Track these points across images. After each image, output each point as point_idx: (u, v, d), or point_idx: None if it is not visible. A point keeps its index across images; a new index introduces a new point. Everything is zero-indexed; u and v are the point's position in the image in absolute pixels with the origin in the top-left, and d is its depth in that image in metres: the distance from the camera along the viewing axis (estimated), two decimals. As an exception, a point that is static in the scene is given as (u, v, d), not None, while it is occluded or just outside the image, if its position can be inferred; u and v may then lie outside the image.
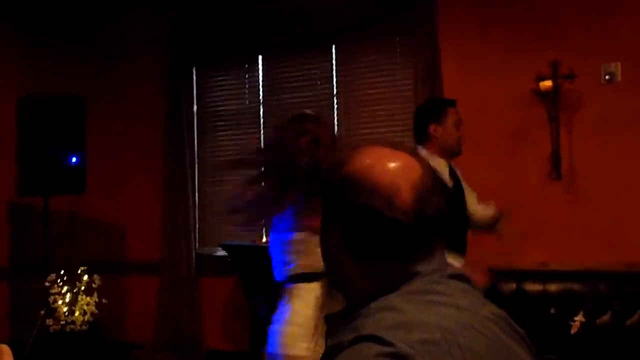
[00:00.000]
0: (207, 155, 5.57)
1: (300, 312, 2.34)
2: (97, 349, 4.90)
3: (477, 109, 4.12)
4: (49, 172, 4.75)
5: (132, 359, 5.39)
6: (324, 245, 1.10)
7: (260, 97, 5.36)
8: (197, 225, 5.54)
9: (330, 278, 1.12)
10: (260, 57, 5.36)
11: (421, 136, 3.14)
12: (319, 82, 5.13)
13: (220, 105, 5.53)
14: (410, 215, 1.00)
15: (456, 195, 3.14)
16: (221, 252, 5.14)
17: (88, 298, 4.81)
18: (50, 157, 4.75)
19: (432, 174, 1.08)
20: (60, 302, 4.73)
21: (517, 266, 4.23)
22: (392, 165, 1.04)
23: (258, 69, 5.39)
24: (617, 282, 3.92)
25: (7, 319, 5.22)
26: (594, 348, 3.73)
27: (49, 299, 4.68)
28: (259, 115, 5.36)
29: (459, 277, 1.06)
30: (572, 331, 3.79)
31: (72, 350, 4.73)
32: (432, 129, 3.09)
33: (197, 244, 5.50)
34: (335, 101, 5.05)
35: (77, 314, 4.76)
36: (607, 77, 4.11)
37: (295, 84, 5.21)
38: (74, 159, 4.87)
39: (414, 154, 1.10)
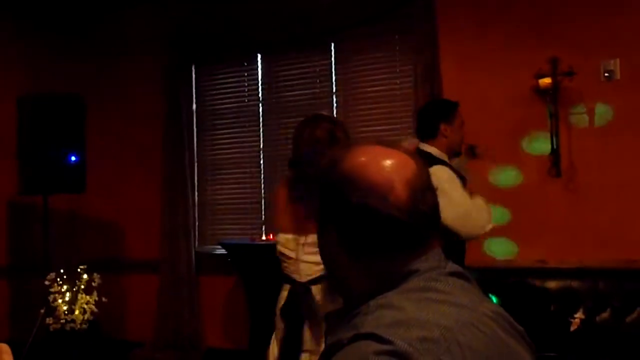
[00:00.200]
0: (207, 154, 5.57)
1: None
2: (97, 348, 4.90)
3: (476, 107, 4.12)
4: (48, 172, 4.75)
5: (132, 357, 5.39)
6: (321, 244, 1.11)
7: (260, 95, 5.36)
8: (196, 224, 5.54)
9: (329, 277, 1.12)
10: (259, 55, 5.36)
11: (429, 134, 3.20)
12: (318, 81, 5.13)
13: (219, 104, 5.53)
14: (404, 211, 1.00)
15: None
16: (221, 251, 5.15)
17: (88, 297, 4.82)
18: (50, 156, 4.75)
19: (426, 170, 1.08)
20: (60, 300, 4.74)
21: (516, 264, 4.24)
22: (386, 162, 1.04)
23: (257, 67, 5.39)
24: (616, 279, 3.93)
25: (7, 317, 5.23)
26: (594, 345, 3.74)
27: (49, 298, 4.69)
28: (259, 113, 5.36)
29: (457, 274, 1.06)
30: (572, 328, 3.79)
31: (72, 349, 4.73)
32: (442, 127, 3.17)
33: (196, 243, 5.50)
34: (334, 99, 5.05)
35: (77, 312, 4.77)
36: (606, 74, 4.11)
37: (294, 83, 5.21)
38: (73, 158, 4.87)
39: (408, 151, 1.10)
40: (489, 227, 3.07)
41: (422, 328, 0.92)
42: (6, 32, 5.40)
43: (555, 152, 4.20)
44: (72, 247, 5.53)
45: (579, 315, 3.81)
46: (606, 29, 4.12)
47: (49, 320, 4.65)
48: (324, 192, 1.09)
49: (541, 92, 4.20)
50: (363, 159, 1.06)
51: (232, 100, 5.48)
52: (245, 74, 5.45)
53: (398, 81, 4.81)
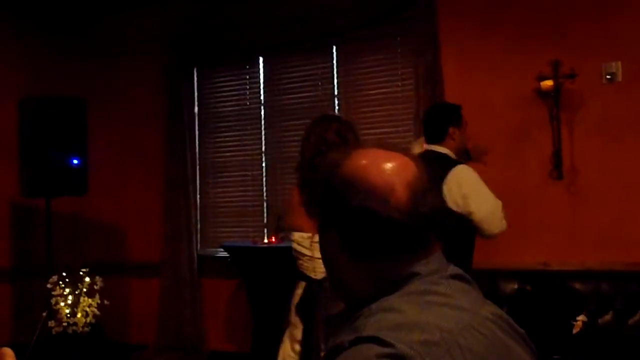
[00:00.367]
0: (209, 156, 5.57)
1: None
2: (99, 351, 4.90)
3: (478, 109, 4.12)
4: (50, 174, 4.75)
5: (134, 360, 5.40)
6: (322, 247, 1.11)
7: (261, 98, 5.37)
8: (198, 226, 5.54)
9: (330, 279, 1.12)
10: (261, 57, 5.37)
11: (438, 137, 3.28)
12: (319, 83, 5.13)
13: (221, 106, 5.53)
14: (405, 213, 1.01)
15: None
16: (223, 253, 5.15)
17: (90, 299, 4.82)
18: (52, 158, 4.75)
19: (427, 173, 1.08)
20: (62, 303, 4.74)
21: (518, 266, 4.24)
22: (387, 165, 1.05)
23: (259, 69, 5.39)
24: (619, 281, 3.92)
25: (10, 320, 5.23)
26: (596, 348, 3.73)
27: (51, 301, 4.69)
28: (260, 116, 5.36)
29: (458, 277, 1.06)
30: (574, 331, 3.79)
31: (74, 352, 4.73)
32: (451, 131, 3.27)
33: (198, 245, 5.51)
34: (336, 102, 5.05)
35: (79, 315, 4.77)
36: (607, 76, 4.11)
37: (296, 85, 5.21)
38: (75, 161, 4.87)
39: (408, 153, 1.10)
40: (505, 227, 3.13)
41: (423, 331, 0.92)
42: (7, 33, 5.41)
43: (557, 155, 4.20)
44: (74, 250, 5.53)
45: (582, 317, 3.80)
46: (607, 31, 4.12)
47: (51, 323, 4.65)
48: (325, 195, 1.09)
49: (543, 94, 4.20)
50: (364, 161, 1.06)
51: (234, 102, 5.48)
52: (247, 77, 5.45)
53: (400, 83, 4.81)
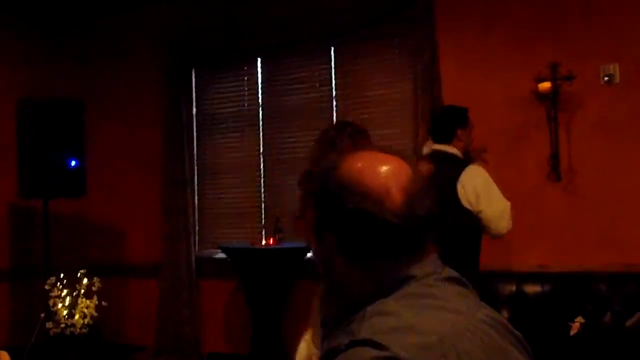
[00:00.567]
0: (207, 158, 5.57)
1: None
2: (97, 352, 4.91)
3: (476, 110, 4.10)
4: (49, 175, 4.75)
5: (132, 361, 5.39)
6: (318, 250, 1.11)
7: (260, 99, 5.37)
8: (196, 228, 5.54)
9: (326, 282, 1.12)
10: (259, 59, 5.37)
11: (445, 138, 3.37)
12: (318, 84, 5.13)
13: (219, 108, 5.53)
14: (400, 216, 1.01)
15: None
16: (221, 255, 5.14)
17: (88, 301, 4.81)
18: (50, 160, 4.75)
19: (423, 176, 1.09)
20: (60, 305, 4.73)
21: (516, 268, 4.24)
22: (382, 168, 1.05)
23: (257, 71, 5.39)
24: (616, 283, 3.92)
25: (7, 322, 5.23)
26: (594, 349, 3.73)
27: (49, 302, 4.69)
28: (258, 117, 5.36)
29: (454, 280, 1.06)
30: (572, 332, 3.79)
31: (71, 353, 4.73)
32: (459, 132, 3.36)
33: (197, 247, 5.50)
34: (334, 103, 5.05)
35: (77, 317, 4.76)
36: (605, 78, 4.12)
37: (294, 86, 5.21)
38: (73, 162, 4.87)
39: (404, 157, 1.10)
40: (511, 227, 3.22)
41: (419, 334, 0.92)
42: (6, 34, 5.41)
43: (554, 156, 4.20)
44: (72, 251, 5.53)
45: (579, 319, 3.80)
46: (605, 33, 4.13)
47: (49, 324, 4.65)
48: (321, 197, 1.09)
49: (541, 96, 4.20)
50: (359, 164, 1.06)
51: (232, 103, 5.48)
52: (245, 78, 5.45)
53: (398, 85, 4.81)
